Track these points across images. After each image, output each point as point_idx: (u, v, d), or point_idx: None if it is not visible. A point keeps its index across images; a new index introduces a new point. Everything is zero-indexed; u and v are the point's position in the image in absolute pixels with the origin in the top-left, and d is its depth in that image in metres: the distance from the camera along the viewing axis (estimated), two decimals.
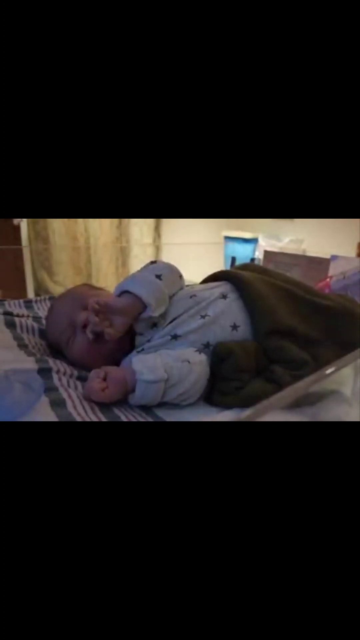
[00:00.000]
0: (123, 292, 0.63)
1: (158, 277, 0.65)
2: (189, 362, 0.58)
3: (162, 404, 0.58)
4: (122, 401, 0.57)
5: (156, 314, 0.62)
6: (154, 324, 0.65)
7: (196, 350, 0.60)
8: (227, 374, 0.60)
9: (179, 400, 0.58)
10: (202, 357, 0.60)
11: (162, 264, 0.70)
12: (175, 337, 0.63)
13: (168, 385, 0.56)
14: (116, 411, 0.55)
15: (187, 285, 0.72)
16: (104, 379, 0.56)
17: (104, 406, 0.55)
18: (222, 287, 0.70)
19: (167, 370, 0.56)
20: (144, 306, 0.62)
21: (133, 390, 0.56)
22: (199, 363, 0.59)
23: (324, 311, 0.68)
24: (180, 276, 0.71)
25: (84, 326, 0.64)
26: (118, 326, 0.60)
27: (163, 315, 0.65)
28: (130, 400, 0.57)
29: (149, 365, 0.56)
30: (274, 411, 0.33)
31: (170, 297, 0.67)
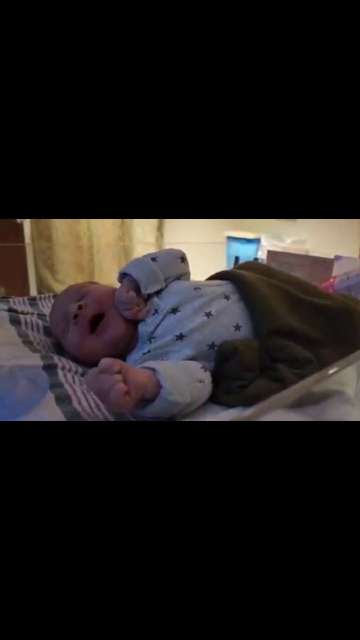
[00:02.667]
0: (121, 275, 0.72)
1: (153, 259, 0.72)
2: (204, 383, 0.58)
3: None
4: None
5: (148, 290, 0.68)
6: (155, 310, 0.67)
7: (202, 367, 0.61)
8: (231, 372, 0.60)
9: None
10: (209, 375, 0.60)
11: (164, 250, 0.76)
12: (180, 337, 0.64)
13: (186, 407, 0.56)
14: None
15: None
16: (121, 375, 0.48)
17: None
18: (224, 286, 0.71)
19: (192, 394, 0.55)
20: (136, 283, 0.68)
21: (146, 399, 0.51)
22: (209, 384, 0.60)
23: (323, 311, 0.68)
24: (183, 259, 0.75)
25: (75, 317, 0.66)
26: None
27: (163, 300, 0.68)
28: (143, 410, 0.52)
29: (178, 387, 0.52)
30: (276, 411, 0.34)
31: (171, 279, 0.72)
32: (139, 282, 0.68)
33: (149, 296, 0.70)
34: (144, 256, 0.74)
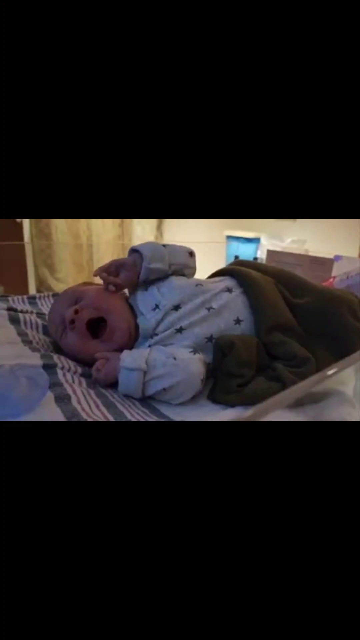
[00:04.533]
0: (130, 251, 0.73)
1: (164, 245, 0.73)
2: (174, 358, 0.58)
3: (164, 402, 0.59)
4: (127, 397, 0.59)
5: (151, 265, 0.69)
6: (156, 305, 0.66)
7: (191, 351, 0.61)
8: (228, 368, 0.60)
9: (168, 397, 0.59)
10: (194, 357, 0.60)
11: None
12: (180, 330, 0.64)
13: (148, 377, 0.57)
14: (120, 407, 0.55)
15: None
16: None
17: (108, 402, 0.56)
18: (226, 281, 0.71)
19: (149, 362, 0.58)
20: (141, 257, 0.69)
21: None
22: (188, 361, 0.59)
23: (300, 310, 0.69)
24: (191, 254, 0.76)
25: (72, 322, 0.65)
26: (123, 278, 0.70)
27: (164, 296, 0.67)
28: (118, 389, 0.60)
29: (133, 355, 0.59)
30: (276, 411, 0.34)
31: (174, 267, 0.72)
32: (144, 255, 0.69)
33: (149, 286, 0.70)
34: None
